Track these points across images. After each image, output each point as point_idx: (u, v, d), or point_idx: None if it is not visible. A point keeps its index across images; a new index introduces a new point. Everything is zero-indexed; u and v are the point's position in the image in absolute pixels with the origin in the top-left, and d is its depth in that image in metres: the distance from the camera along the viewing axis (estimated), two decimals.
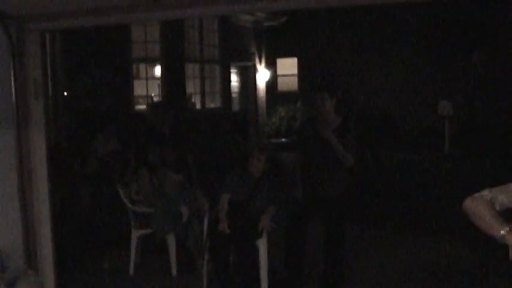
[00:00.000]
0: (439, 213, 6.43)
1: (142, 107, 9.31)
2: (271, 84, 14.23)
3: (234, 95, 11.88)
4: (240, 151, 9.44)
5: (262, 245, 4.11)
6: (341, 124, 4.06)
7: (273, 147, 11.57)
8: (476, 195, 1.83)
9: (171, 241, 4.62)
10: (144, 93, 9.14)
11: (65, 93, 7.56)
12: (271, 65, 13.95)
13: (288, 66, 15.09)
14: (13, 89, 3.14)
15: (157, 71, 9.77)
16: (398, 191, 7.95)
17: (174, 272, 4.61)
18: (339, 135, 3.97)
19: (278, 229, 4.21)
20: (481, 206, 1.77)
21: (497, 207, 1.79)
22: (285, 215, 4.31)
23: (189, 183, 5.10)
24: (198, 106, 10.23)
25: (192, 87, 10.03)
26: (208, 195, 4.88)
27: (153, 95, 9.65)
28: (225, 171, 4.41)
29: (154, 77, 9.99)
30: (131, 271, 4.67)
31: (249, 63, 12.38)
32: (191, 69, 10.01)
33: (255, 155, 4.23)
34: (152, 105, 8.01)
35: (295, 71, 15.09)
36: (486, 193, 1.82)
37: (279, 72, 15.11)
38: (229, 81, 11.21)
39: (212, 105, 10.82)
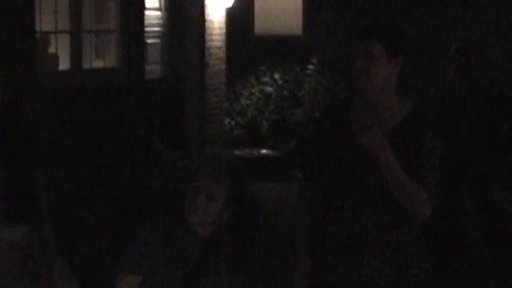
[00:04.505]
0: None
1: None
2: (242, 21, 14.38)
3: (151, 41, 12.01)
4: (164, 176, 9.39)
5: None
6: (409, 118, 4.16)
7: (243, 168, 11.61)
8: None
9: None
10: None
11: None
12: None
13: None
14: None
15: None
16: None
17: None
18: (403, 144, 4.07)
19: None
20: None
21: None
22: None
23: (39, 245, 5.25)
24: (67, 65, 10.33)
25: (50, 20, 10.11)
26: (84, 275, 5.01)
27: None
28: (129, 222, 4.44)
29: None
30: None
31: None
32: None
33: (200, 187, 4.24)
34: None
35: None
36: None
37: None
38: (142, 8, 11.30)
39: (100, 64, 10.93)
